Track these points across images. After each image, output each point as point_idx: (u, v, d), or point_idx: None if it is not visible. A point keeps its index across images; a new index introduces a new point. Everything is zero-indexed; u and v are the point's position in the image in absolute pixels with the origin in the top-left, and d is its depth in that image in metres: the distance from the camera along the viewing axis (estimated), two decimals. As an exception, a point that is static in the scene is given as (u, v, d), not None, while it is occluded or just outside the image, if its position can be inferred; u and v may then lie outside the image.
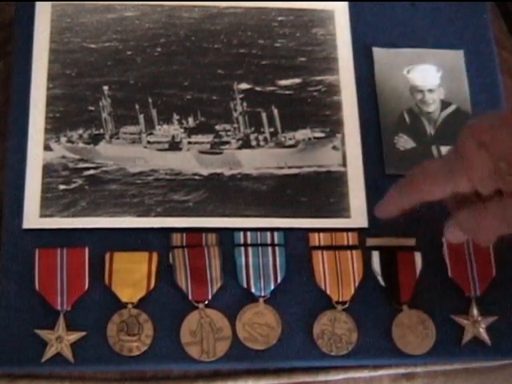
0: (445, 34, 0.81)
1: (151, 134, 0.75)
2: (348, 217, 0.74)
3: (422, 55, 0.80)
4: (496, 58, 0.81)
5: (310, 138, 0.76)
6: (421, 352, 0.70)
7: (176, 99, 0.77)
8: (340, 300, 0.71)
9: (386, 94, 0.78)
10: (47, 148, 0.74)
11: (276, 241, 0.72)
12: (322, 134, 0.76)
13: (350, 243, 0.72)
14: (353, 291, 0.71)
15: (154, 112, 0.76)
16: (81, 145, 0.74)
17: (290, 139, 0.76)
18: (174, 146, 0.75)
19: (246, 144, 0.76)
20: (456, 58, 0.80)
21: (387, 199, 0.68)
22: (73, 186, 0.73)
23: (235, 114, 0.76)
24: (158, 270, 0.70)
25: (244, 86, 0.77)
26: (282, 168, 0.75)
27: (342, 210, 0.74)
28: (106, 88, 0.76)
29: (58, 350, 0.67)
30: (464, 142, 0.62)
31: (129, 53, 0.78)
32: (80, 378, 0.69)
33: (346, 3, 0.81)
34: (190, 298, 0.70)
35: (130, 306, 0.69)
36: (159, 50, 0.78)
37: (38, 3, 0.78)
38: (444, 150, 0.76)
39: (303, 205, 0.74)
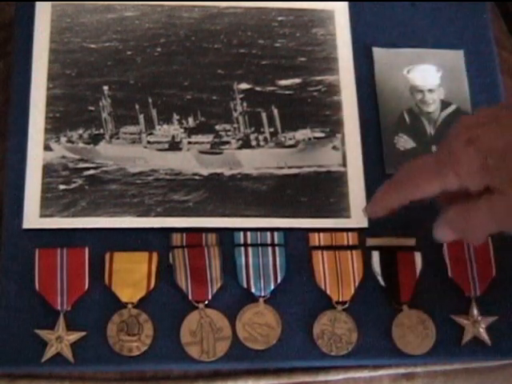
0: (445, 34, 0.81)
1: (151, 134, 0.75)
2: (348, 217, 0.74)
3: (422, 55, 0.80)
4: (496, 58, 0.81)
5: (309, 138, 0.76)
6: (421, 352, 0.70)
7: (176, 99, 0.77)
8: (340, 300, 0.71)
9: (386, 94, 0.78)
10: (47, 148, 0.74)
11: (276, 241, 0.72)
12: (322, 134, 0.76)
13: (350, 243, 0.72)
14: (353, 291, 0.71)
15: (154, 112, 0.76)
16: (81, 145, 0.74)
17: (290, 139, 0.76)
18: (174, 146, 0.75)
19: (245, 144, 0.76)
20: (456, 58, 0.80)
21: (375, 198, 0.67)
22: (73, 186, 0.73)
23: (235, 114, 0.76)
24: (157, 270, 0.70)
25: (244, 86, 0.77)
26: (282, 168, 0.75)
27: (342, 210, 0.74)
28: (105, 88, 0.76)
29: (58, 349, 0.67)
30: (452, 138, 0.62)
31: (129, 53, 0.78)
32: (80, 378, 0.69)
33: (346, 3, 0.81)
34: (190, 297, 0.70)
35: (129, 305, 0.69)
36: (159, 49, 0.78)
37: (37, 3, 0.78)
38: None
39: (303, 205, 0.74)
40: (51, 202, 0.72)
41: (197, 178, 0.74)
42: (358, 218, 0.73)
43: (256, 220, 0.73)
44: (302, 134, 0.76)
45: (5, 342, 0.67)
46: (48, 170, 0.73)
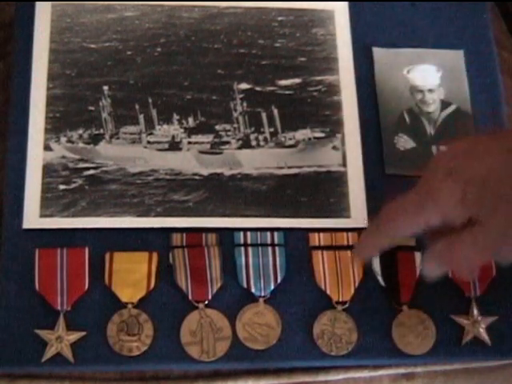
0: (445, 34, 0.81)
1: (151, 133, 0.75)
2: (348, 217, 0.74)
3: (422, 55, 0.80)
4: (496, 58, 0.81)
5: (310, 138, 0.76)
6: (421, 352, 0.70)
7: (176, 99, 0.77)
8: (340, 300, 0.71)
9: (386, 94, 0.78)
10: (47, 148, 0.74)
11: (276, 241, 0.72)
12: (322, 134, 0.76)
13: (350, 243, 0.72)
14: (353, 291, 0.71)
15: (154, 112, 0.76)
16: (81, 145, 0.74)
17: (290, 139, 0.76)
18: (174, 146, 0.75)
19: (246, 144, 0.76)
20: (456, 58, 0.80)
21: (361, 242, 0.67)
22: (73, 186, 0.73)
23: (235, 114, 0.76)
24: (158, 270, 0.70)
25: (244, 85, 0.77)
26: (281, 168, 0.75)
27: (342, 210, 0.74)
28: (105, 88, 0.76)
29: (58, 350, 0.67)
30: (431, 173, 0.61)
31: (129, 53, 0.78)
32: (80, 378, 0.69)
33: (346, 3, 0.81)
34: (190, 297, 0.70)
35: (130, 306, 0.69)
36: (159, 49, 0.78)
37: (37, 3, 0.78)
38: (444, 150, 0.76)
39: (303, 205, 0.74)
40: (51, 201, 0.72)
41: (197, 178, 0.74)
42: (357, 217, 0.73)
43: (256, 220, 0.73)
44: (302, 134, 0.76)
45: (5, 342, 0.67)
46: (48, 170, 0.73)
